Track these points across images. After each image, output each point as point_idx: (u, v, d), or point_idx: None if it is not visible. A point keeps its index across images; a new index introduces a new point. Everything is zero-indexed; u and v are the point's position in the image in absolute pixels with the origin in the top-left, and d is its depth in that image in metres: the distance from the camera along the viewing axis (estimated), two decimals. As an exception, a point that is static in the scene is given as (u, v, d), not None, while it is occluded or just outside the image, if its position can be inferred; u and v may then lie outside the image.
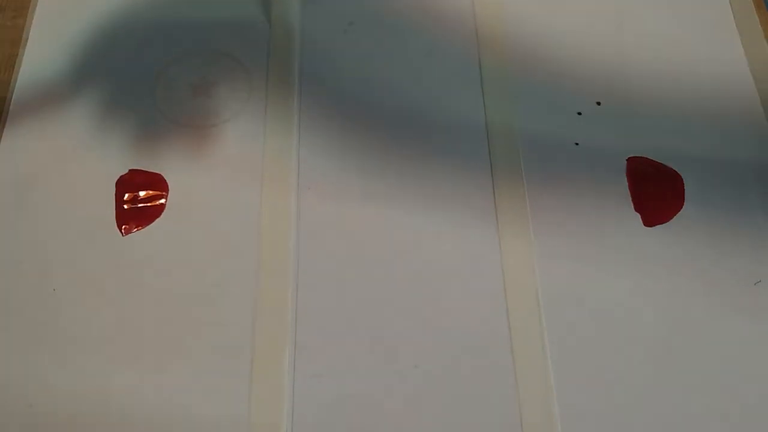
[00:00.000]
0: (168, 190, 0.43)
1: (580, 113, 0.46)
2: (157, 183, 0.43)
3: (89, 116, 0.45)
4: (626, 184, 0.44)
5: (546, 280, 0.41)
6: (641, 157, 0.45)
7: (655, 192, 0.44)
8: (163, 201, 0.42)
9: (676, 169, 0.44)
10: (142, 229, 0.42)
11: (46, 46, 0.47)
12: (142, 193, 0.43)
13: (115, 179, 0.43)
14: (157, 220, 0.42)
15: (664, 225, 0.43)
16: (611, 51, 0.48)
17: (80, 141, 0.44)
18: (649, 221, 0.43)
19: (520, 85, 0.47)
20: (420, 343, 0.39)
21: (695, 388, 0.38)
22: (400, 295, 0.40)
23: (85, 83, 0.46)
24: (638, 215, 0.43)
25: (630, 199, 0.43)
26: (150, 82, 0.46)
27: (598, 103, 0.46)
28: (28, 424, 0.37)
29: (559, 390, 0.38)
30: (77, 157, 0.44)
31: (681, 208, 0.43)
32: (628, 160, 0.45)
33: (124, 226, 0.42)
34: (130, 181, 0.43)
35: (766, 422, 0.38)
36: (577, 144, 0.45)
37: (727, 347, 0.39)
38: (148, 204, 0.42)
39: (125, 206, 0.42)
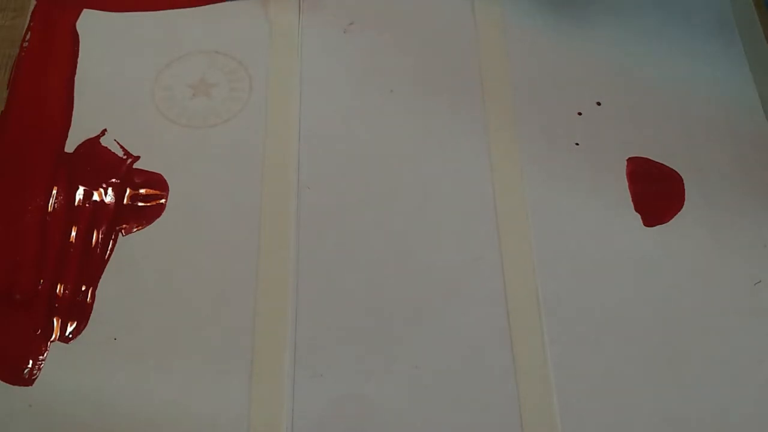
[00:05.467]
0: (168, 190, 0.43)
1: (580, 113, 0.46)
2: (157, 183, 0.43)
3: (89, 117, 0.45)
4: (626, 184, 0.44)
5: (546, 281, 0.41)
6: (641, 157, 0.45)
7: (655, 192, 0.44)
8: (163, 201, 0.42)
9: (676, 169, 0.44)
10: (142, 229, 0.42)
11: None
12: (142, 193, 0.43)
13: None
14: (157, 220, 0.42)
15: (664, 225, 0.43)
16: (611, 51, 0.48)
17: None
18: (649, 221, 0.43)
19: (520, 84, 0.47)
20: (420, 343, 0.39)
21: (695, 388, 0.38)
22: (400, 296, 0.40)
23: (84, 83, 0.46)
24: (638, 215, 0.43)
25: (630, 199, 0.43)
26: (150, 82, 0.46)
27: (598, 103, 0.46)
28: (28, 424, 0.37)
29: (559, 390, 0.38)
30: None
31: (681, 208, 0.43)
32: (628, 160, 0.45)
33: (124, 226, 0.42)
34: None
35: (766, 422, 0.38)
36: (577, 144, 0.45)
37: (727, 347, 0.39)
38: (148, 204, 0.42)
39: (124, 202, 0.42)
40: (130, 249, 0.41)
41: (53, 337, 0.39)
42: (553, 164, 0.44)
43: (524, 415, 0.37)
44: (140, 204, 0.42)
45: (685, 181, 0.44)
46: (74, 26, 0.48)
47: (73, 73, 0.46)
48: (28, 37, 0.47)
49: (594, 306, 0.40)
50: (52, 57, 0.47)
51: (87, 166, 0.43)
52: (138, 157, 0.44)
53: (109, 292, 0.40)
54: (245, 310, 0.40)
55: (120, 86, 0.46)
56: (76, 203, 0.42)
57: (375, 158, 0.44)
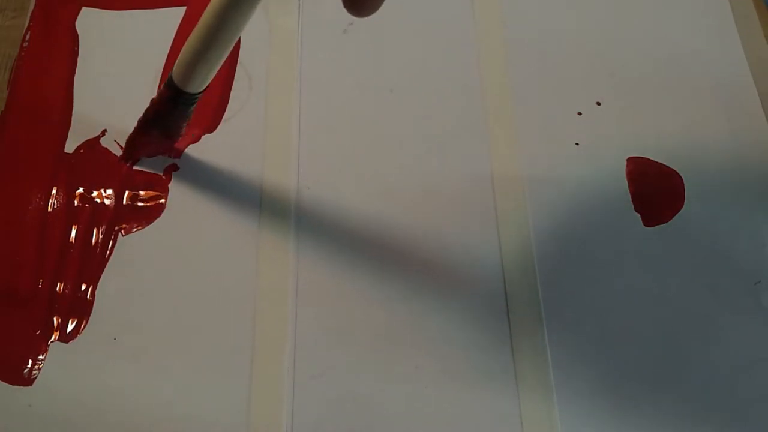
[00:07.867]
0: (168, 190, 0.43)
1: (580, 113, 0.46)
2: (157, 183, 0.43)
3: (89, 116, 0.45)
4: (626, 184, 0.44)
5: (546, 280, 0.41)
6: (641, 157, 0.45)
7: (655, 192, 0.44)
8: (163, 201, 0.42)
9: (676, 169, 0.44)
10: (142, 229, 0.42)
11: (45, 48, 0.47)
12: (142, 193, 0.43)
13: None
14: (157, 220, 0.42)
15: (664, 225, 0.43)
16: (611, 51, 0.48)
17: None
18: (649, 221, 0.43)
19: (520, 84, 0.47)
20: (420, 343, 0.39)
21: (695, 388, 0.38)
22: (400, 295, 0.40)
23: (84, 83, 0.46)
24: (638, 215, 0.43)
25: (630, 199, 0.43)
26: (150, 82, 0.46)
27: (598, 103, 0.46)
28: (28, 424, 0.37)
29: (558, 390, 0.38)
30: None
31: (681, 208, 0.43)
32: (628, 160, 0.45)
33: (123, 226, 0.42)
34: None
35: (766, 423, 0.38)
36: (577, 144, 0.45)
37: (727, 347, 0.39)
38: (148, 204, 0.42)
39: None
40: (130, 249, 0.41)
41: (53, 337, 0.39)
42: (553, 164, 0.44)
43: (524, 416, 0.37)
44: (140, 204, 0.42)
45: (685, 181, 0.44)
46: (74, 25, 0.48)
47: (73, 73, 0.46)
48: (28, 37, 0.47)
49: (594, 306, 0.40)
50: (52, 57, 0.47)
51: (87, 166, 0.43)
52: (138, 158, 0.44)
53: (109, 292, 0.40)
54: (245, 310, 0.40)
55: (120, 86, 0.46)
56: (75, 203, 0.42)
57: (375, 158, 0.44)
